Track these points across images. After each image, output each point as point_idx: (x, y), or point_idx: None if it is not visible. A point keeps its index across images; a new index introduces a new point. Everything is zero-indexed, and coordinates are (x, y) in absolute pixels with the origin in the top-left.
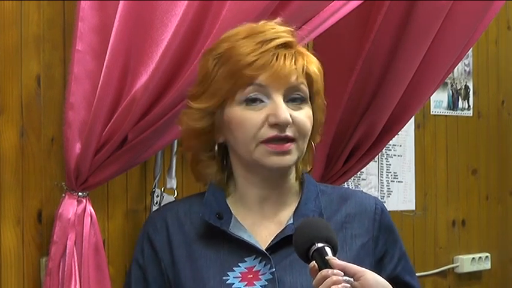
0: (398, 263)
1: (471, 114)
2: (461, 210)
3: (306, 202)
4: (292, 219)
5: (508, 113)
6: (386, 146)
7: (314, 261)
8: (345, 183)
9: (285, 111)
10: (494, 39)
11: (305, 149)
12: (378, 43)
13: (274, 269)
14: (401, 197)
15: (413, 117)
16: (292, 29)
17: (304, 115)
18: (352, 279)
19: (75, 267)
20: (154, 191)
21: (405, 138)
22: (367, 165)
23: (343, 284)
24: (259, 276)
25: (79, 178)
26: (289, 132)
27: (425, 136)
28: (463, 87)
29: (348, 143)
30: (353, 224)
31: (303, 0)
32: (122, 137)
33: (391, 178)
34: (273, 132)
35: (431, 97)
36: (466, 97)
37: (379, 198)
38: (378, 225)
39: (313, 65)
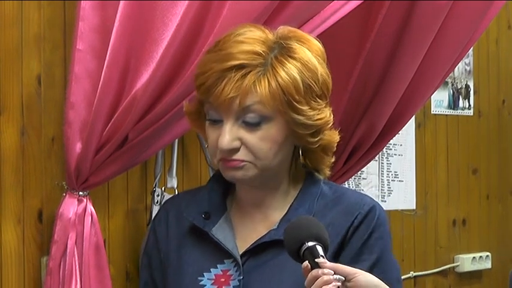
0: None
1: (472, 114)
2: (462, 209)
3: (297, 207)
4: (277, 225)
5: (508, 113)
6: (387, 145)
7: (307, 261)
8: (346, 182)
9: (225, 140)
10: (494, 38)
11: (272, 164)
12: (378, 43)
13: (242, 277)
14: (401, 196)
15: (413, 116)
16: (258, 49)
17: (257, 138)
18: (343, 278)
19: (75, 266)
20: (154, 191)
21: (406, 137)
22: (368, 165)
23: (333, 284)
24: (229, 281)
25: (79, 177)
26: (238, 156)
27: (426, 135)
28: (464, 86)
29: (349, 142)
30: (333, 230)
31: (303, 0)
32: (122, 137)
33: (392, 177)
34: (221, 155)
35: (431, 96)
36: (466, 96)
37: (380, 197)
38: (353, 230)
39: (272, 82)
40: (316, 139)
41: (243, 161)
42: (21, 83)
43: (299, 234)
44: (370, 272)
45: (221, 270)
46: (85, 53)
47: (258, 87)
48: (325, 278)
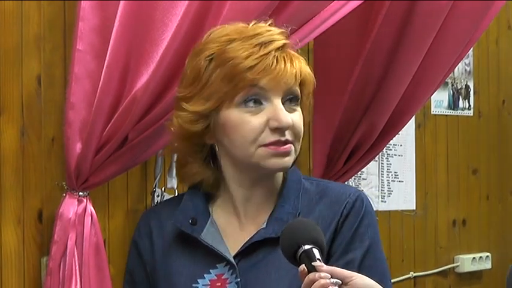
0: (342, 258)
1: (472, 114)
2: (462, 209)
3: (283, 204)
4: (265, 224)
5: (508, 113)
6: (387, 145)
7: (304, 265)
8: (346, 182)
9: (287, 115)
10: (494, 38)
11: (299, 150)
12: (379, 43)
13: (239, 279)
14: (401, 197)
15: (413, 117)
16: (285, 31)
17: (298, 117)
18: (340, 282)
19: (75, 266)
20: (154, 191)
21: (406, 138)
22: (368, 165)
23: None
24: (226, 285)
25: (79, 178)
26: (288, 136)
27: (426, 136)
28: (464, 86)
29: (349, 142)
30: (324, 223)
31: (303, 0)
32: (122, 137)
33: (392, 178)
34: (274, 137)
35: (431, 97)
36: (466, 97)
37: (380, 197)
38: (344, 218)
39: (306, 67)
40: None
41: (291, 142)
42: (21, 83)
43: (295, 238)
44: (362, 260)
45: (215, 275)
46: (85, 53)
47: (304, 68)
48: (322, 281)
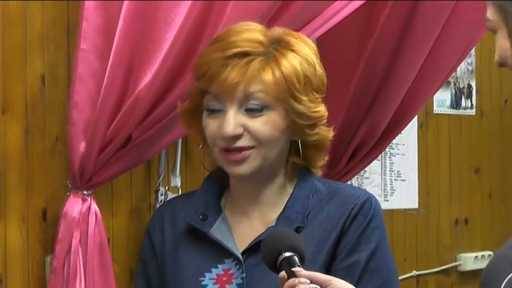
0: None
1: (474, 113)
2: (464, 208)
3: (293, 204)
4: (275, 222)
5: (510, 112)
6: (390, 145)
7: (284, 271)
8: (348, 182)
9: (229, 125)
10: None
11: (273, 153)
12: (381, 43)
13: (244, 274)
14: (404, 196)
15: (416, 116)
16: (265, 37)
17: (260, 123)
18: (318, 287)
19: (80, 265)
20: (158, 190)
21: (408, 137)
22: (371, 164)
23: None
24: (232, 280)
25: (83, 177)
26: (241, 143)
27: (428, 135)
28: (466, 86)
29: (351, 142)
30: (331, 223)
31: (306, 0)
32: (126, 136)
33: (394, 177)
34: (224, 143)
35: (434, 96)
36: (469, 96)
37: (383, 196)
38: (351, 219)
39: (276, 70)
40: (313, 132)
41: (246, 148)
42: (25, 83)
43: (276, 245)
44: (367, 262)
45: (222, 270)
46: (89, 52)
47: (262, 74)
48: (302, 286)
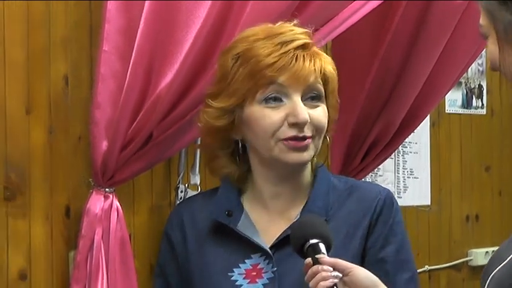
0: (381, 251)
1: (484, 113)
2: (475, 205)
3: (314, 199)
4: (298, 217)
5: None
6: (403, 143)
7: (310, 258)
8: (363, 179)
9: (304, 111)
10: None
11: (320, 145)
12: (395, 43)
13: (275, 268)
14: (417, 193)
15: (428, 115)
16: (308, 31)
17: (320, 113)
18: (341, 275)
19: (102, 260)
20: (178, 187)
21: (421, 135)
22: (384, 162)
23: (331, 280)
24: (262, 274)
25: (105, 174)
26: (306, 131)
27: (440, 134)
28: (477, 86)
29: (365, 140)
30: (355, 217)
31: (323, 0)
32: (147, 135)
33: (407, 174)
34: (292, 132)
35: (446, 96)
36: (479, 96)
37: (396, 193)
38: (377, 215)
39: (329, 65)
40: (331, 128)
41: (308, 136)
42: (49, 83)
43: (304, 232)
44: (397, 255)
45: (250, 265)
46: (110, 54)
47: (326, 66)
48: (324, 274)
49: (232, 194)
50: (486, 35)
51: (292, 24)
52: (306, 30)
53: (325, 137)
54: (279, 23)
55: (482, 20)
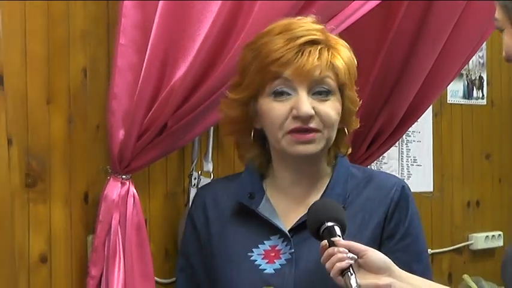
0: (400, 242)
1: (485, 103)
2: (476, 191)
3: (333, 187)
4: None
5: None
6: (406, 132)
7: (325, 240)
8: (368, 167)
9: (306, 105)
10: None
11: (333, 136)
12: (397, 40)
13: (293, 250)
14: (420, 180)
15: (431, 105)
16: (322, 27)
17: (328, 107)
18: (356, 257)
19: (119, 244)
20: (192, 174)
21: (424, 125)
22: (389, 150)
23: (347, 261)
24: (280, 255)
25: (122, 162)
26: (312, 124)
27: (442, 123)
28: (478, 77)
29: (371, 130)
30: (372, 205)
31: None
32: (161, 124)
33: (411, 162)
34: (296, 124)
35: (447, 87)
36: (480, 87)
37: None
38: (394, 204)
39: (340, 59)
40: (354, 120)
41: (315, 130)
42: (68, 75)
43: (320, 215)
44: (415, 245)
45: (269, 246)
46: (127, 47)
47: (334, 61)
48: (339, 255)
49: (255, 178)
50: (502, 28)
51: (310, 18)
52: (319, 26)
53: (343, 128)
54: (298, 18)
55: (498, 14)
